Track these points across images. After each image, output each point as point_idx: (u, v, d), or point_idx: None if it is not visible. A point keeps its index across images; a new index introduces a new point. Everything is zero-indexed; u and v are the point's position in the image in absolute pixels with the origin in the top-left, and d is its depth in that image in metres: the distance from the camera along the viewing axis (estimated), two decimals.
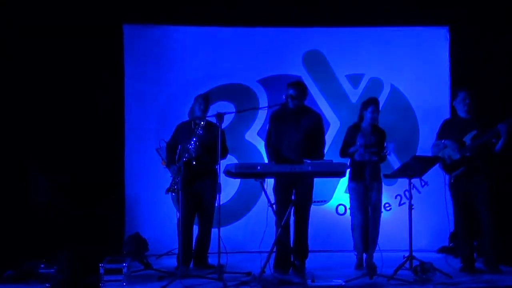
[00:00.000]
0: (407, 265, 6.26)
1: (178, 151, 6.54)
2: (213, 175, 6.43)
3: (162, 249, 7.42)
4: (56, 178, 7.49)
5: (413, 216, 7.38)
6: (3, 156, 7.30)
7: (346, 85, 8.11)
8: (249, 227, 7.72)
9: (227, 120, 7.66)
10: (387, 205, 7.96)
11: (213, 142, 6.33)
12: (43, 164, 7.47)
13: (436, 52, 8.10)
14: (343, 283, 5.77)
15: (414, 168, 6.30)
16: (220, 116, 6.13)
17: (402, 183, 7.77)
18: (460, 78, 7.91)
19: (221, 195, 7.13)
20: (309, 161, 6.03)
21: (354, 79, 8.11)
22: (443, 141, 6.66)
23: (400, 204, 8.01)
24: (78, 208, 7.45)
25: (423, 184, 7.89)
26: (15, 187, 7.31)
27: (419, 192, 7.99)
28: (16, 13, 7.42)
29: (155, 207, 7.55)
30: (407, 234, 7.17)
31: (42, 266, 6.19)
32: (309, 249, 6.87)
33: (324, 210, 7.97)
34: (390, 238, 7.27)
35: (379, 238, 6.95)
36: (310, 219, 6.73)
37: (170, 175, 6.60)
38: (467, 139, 6.49)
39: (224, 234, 7.12)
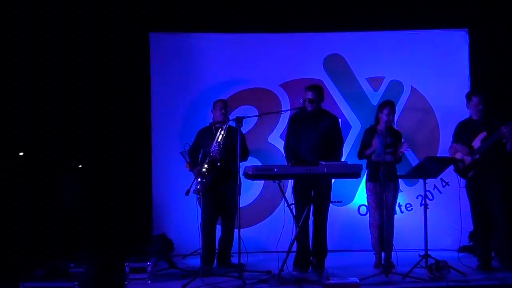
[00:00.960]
0: (423, 263, 6.41)
1: (200, 155, 6.81)
2: (234, 178, 6.57)
3: (188, 250, 7.62)
4: (87, 181, 7.83)
5: (435, 216, 7.65)
6: (35, 160, 7.66)
7: (367, 88, 8.23)
8: (273, 228, 7.80)
9: (251, 123, 8.00)
10: (408, 205, 8.10)
11: (235, 145, 6.52)
12: (74, 167, 7.81)
13: (456, 55, 8.18)
14: (358, 281, 5.91)
15: (428, 168, 6.45)
16: (239, 120, 6.39)
17: (423, 184, 7.89)
18: (479, 80, 8.01)
19: (245, 196, 7.51)
20: (324, 163, 6.22)
21: (375, 82, 8.23)
22: (454, 144, 6.80)
23: (421, 204, 8.02)
24: (108, 210, 7.77)
25: (444, 184, 8.01)
26: (46, 190, 7.66)
27: (440, 193, 8.10)
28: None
29: (181, 208, 7.68)
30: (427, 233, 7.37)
31: (72, 265, 6.30)
32: (331, 249, 7.10)
33: (346, 210, 8.11)
34: (412, 237, 7.36)
35: (398, 238, 7.12)
36: (329, 219, 6.93)
37: (194, 177, 6.81)
38: (477, 141, 6.61)
39: (249, 234, 7.55)
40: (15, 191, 7.50)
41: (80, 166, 7.93)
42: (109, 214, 7.77)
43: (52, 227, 7.52)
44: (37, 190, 7.62)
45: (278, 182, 6.35)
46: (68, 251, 6.82)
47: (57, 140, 7.80)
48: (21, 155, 7.74)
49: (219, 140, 6.68)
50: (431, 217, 7.76)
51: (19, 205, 7.49)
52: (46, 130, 7.77)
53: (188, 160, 7.28)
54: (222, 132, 6.70)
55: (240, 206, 7.45)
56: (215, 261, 7.02)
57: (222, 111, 6.93)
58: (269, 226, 7.97)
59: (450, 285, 5.92)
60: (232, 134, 6.74)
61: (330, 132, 6.71)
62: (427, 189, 7.76)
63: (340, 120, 7.54)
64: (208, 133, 6.99)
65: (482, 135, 6.64)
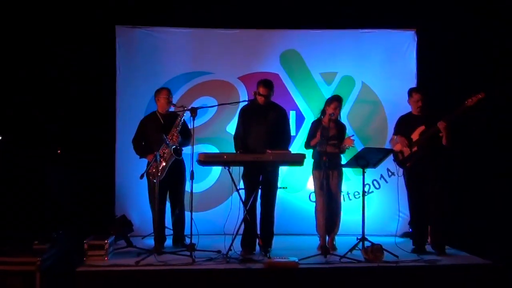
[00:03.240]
0: (361, 246, 6.91)
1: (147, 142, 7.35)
2: (180, 162, 7.19)
3: (147, 231, 8.02)
4: (53, 165, 8.24)
5: (381, 204, 8.22)
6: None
7: (320, 82, 8.69)
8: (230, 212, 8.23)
9: (210, 113, 8.44)
10: (356, 193, 8.58)
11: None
12: (42, 152, 8.24)
13: (404, 53, 8.68)
14: (297, 260, 6.40)
15: (367, 158, 6.94)
16: (193, 110, 6.83)
17: (370, 174, 8.35)
18: (425, 77, 8.54)
19: (203, 182, 7.96)
20: (270, 151, 6.70)
21: (328, 77, 8.69)
22: (395, 136, 7.33)
23: (369, 192, 8.60)
24: (73, 193, 8.21)
25: (390, 174, 8.51)
26: (13, 173, 8.07)
27: (386, 182, 8.62)
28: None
29: (142, 192, 7.77)
30: (371, 219, 7.91)
31: (35, 242, 6.63)
32: (282, 233, 7.64)
33: (298, 197, 8.62)
34: (357, 223, 7.78)
35: (345, 223, 7.65)
36: (281, 204, 7.48)
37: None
38: (415, 134, 7.11)
39: (205, 217, 8.03)
40: None
41: (52, 150, 8.33)
42: (74, 196, 8.18)
43: (18, 208, 7.90)
44: (3, 172, 8.01)
45: (228, 168, 6.83)
46: (35, 231, 7.09)
47: (26, 126, 8.22)
48: None
49: (177, 127, 7.14)
50: (377, 204, 8.40)
51: None
52: (16, 117, 8.20)
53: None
54: (181, 120, 7.18)
55: (197, 191, 8.04)
56: (171, 242, 7.50)
57: (169, 99, 7.35)
58: (225, 211, 8.31)
59: (381, 266, 6.40)
60: (175, 120, 7.26)
61: (278, 124, 7.16)
62: (373, 178, 8.46)
63: (289, 112, 7.90)
64: (153, 121, 7.39)
65: (421, 128, 7.15)
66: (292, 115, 8.58)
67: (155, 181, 6.94)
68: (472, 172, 8.30)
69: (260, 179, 6.99)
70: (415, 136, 7.17)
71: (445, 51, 8.46)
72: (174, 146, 7.04)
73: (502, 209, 8.06)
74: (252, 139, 7.12)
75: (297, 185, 8.60)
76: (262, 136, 7.05)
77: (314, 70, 8.71)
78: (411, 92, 7.34)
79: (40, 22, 8.21)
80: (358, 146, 8.13)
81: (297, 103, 8.68)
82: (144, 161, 7.43)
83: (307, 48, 8.71)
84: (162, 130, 7.12)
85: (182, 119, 7.28)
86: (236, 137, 7.30)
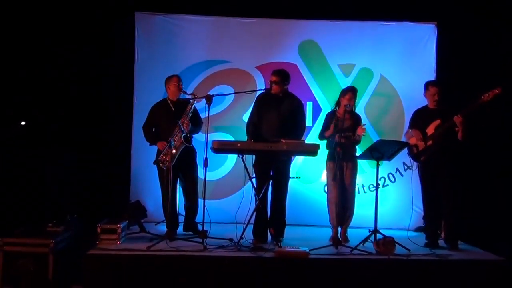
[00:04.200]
0: (373, 238, 6.87)
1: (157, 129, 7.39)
2: (191, 149, 7.26)
3: (161, 218, 8.00)
4: (70, 151, 8.27)
5: (396, 197, 8.16)
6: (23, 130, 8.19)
7: (338, 74, 8.66)
8: (243, 201, 8.19)
9: (227, 101, 8.46)
10: (371, 186, 8.53)
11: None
12: (58, 137, 8.32)
13: (424, 46, 8.61)
14: (307, 250, 6.41)
15: (381, 151, 6.91)
16: (209, 98, 6.85)
17: (386, 167, 8.37)
18: (444, 71, 8.46)
19: (217, 171, 7.98)
20: (284, 141, 6.70)
21: (346, 68, 8.66)
22: (410, 130, 7.28)
23: (384, 186, 8.57)
24: (89, 179, 8.27)
25: (405, 168, 8.46)
26: (31, 159, 8.12)
27: (402, 176, 8.57)
28: None
29: (157, 180, 7.71)
30: (386, 213, 7.87)
31: (50, 225, 6.83)
32: (295, 223, 7.68)
33: (313, 188, 8.60)
34: (371, 217, 7.79)
35: (359, 216, 7.65)
36: (295, 195, 7.50)
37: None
38: (431, 128, 7.06)
39: (219, 206, 8.03)
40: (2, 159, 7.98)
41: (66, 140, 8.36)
42: (90, 182, 8.25)
43: (36, 193, 7.99)
44: (22, 158, 8.06)
45: (241, 156, 6.84)
46: (52, 215, 7.20)
47: (41, 111, 8.29)
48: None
49: (188, 115, 7.16)
50: (392, 198, 8.35)
51: (6, 173, 7.97)
52: (32, 102, 8.27)
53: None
54: (192, 108, 7.20)
55: (212, 179, 8.06)
56: (182, 228, 7.55)
57: (179, 86, 7.35)
58: (238, 200, 8.29)
59: (392, 259, 6.38)
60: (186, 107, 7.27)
61: (292, 113, 7.15)
62: (389, 171, 8.43)
63: (305, 103, 8.03)
64: (164, 108, 7.42)
65: (436, 122, 7.10)
66: (309, 106, 8.59)
67: (164, 168, 7.03)
68: (487, 168, 8.24)
69: (272, 168, 7.00)
70: (430, 130, 7.12)
71: (465, 46, 8.37)
72: (184, 134, 7.06)
73: None
74: (265, 127, 7.14)
75: (312, 176, 8.58)
76: (275, 124, 7.07)
77: (332, 61, 8.69)
78: (427, 85, 7.29)
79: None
80: (374, 139, 8.09)
81: (314, 94, 8.66)
82: None
83: (326, 39, 8.68)
84: (173, 118, 7.15)
85: (193, 106, 7.29)
86: (249, 123, 7.34)
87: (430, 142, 7.09)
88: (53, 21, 8.22)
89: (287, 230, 7.33)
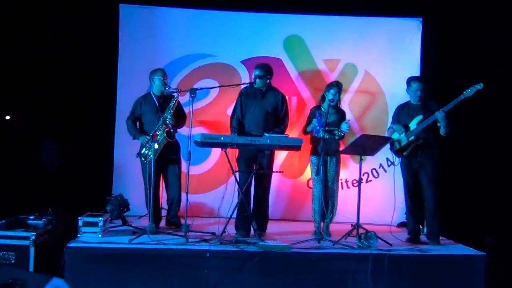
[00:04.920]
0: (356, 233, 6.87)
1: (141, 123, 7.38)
2: (176, 144, 7.25)
3: (144, 211, 7.92)
4: (53, 143, 8.27)
5: (379, 193, 8.14)
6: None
7: (323, 69, 8.65)
8: (226, 196, 8.04)
9: (211, 95, 8.43)
10: (355, 181, 8.47)
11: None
12: (41, 130, 8.27)
13: (409, 42, 8.62)
14: (290, 244, 6.41)
15: (364, 146, 6.91)
16: (193, 91, 6.80)
17: (370, 162, 8.36)
18: (429, 67, 8.47)
19: (200, 165, 7.94)
20: (267, 135, 6.70)
21: (331, 64, 8.65)
22: (392, 125, 7.30)
23: (367, 181, 8.58)
24: (71, 172, 8.25)
25: (389, 163, 8.48)
26: (13, 150, 8.10)
27: (385, 171, 8.58)
28: None
29: (140, 173, 7.75)
30: (369, 208, 7.87)
31: (31, 217, 6.79)
32: (278, 218, 7.67)
33: (296, 183, 8.60)
34: (354, 211, 7.79)
35: (341, 211, 7.66)
36: (279, 190, 7.51)
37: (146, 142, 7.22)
38: (413, 123, 7.08)
39: (202, 200, 8.02)
40: None
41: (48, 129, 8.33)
42: (72, 174, 8.24)
43: (18, 186, 7.97)
44: (1, 150, 8.04)
45: (225, 150, 6.81)
46: (34, 208, 7.17)
47: (21, 102, 8.25)
48: None
49: (172, 109, 7.13)
50: (375, 193, 8.34)
51: None
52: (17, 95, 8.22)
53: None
54: (175, 102, 7.17)
55: (196, 173, 8.04)
56: (165, 221, 7.53)
57: (164, 80, 7.32)
58: (221, 195, 8.33)
59: (373, 253, 6.37)
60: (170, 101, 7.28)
61: (275, 108, 7.18)
62: (372, 167, 8.44)
63: (290, 98, 8.05)
64: (148, 102, 7.41)
65: (419, 118, 7.12)
66: (293, 101, 8.58)
67: (147, 162, 7.03)
68: (471, 162, 8.28)
69: (256, 162, 6.99)
70: (412, 125, 7.12)
71: (451, 41, 8.39)
72: (166, 128, 7.06)
73: (502, 202, 8.06)
74: (249, 121, 7.16)
75: (296, 171, 8.57)
76: (259, 119, 7.10)
77: (317, 57, 8.67)
78: (410, 81, 7.31)
79: None
80: (358, 134, 8.07)
81: (299, 89, 8.64)
82: None
83: (311, 34, 8.66)
84: (157, 112, 7.14)
85: (177, 101, 7.27)
86: (233, 117, 7.33)
87: (412, 138, 7.09)
88: (38, 10, 8.19)
89: (270, 224, 7.35)
